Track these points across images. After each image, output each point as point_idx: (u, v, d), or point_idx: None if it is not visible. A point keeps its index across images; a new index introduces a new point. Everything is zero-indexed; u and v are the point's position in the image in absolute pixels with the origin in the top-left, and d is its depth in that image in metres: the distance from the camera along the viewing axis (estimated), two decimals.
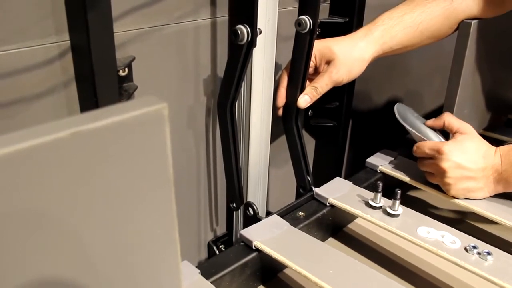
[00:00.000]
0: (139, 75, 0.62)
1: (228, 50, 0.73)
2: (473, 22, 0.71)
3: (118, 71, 0.57)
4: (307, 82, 0.75)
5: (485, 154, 0.72)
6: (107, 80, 0.54)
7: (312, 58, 0.73)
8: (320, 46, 0.74)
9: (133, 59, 0.60)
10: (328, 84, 0.74)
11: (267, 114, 0.77)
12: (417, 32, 0.76)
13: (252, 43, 0.64)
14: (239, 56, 0.64)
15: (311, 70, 0.75)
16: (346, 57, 0.73)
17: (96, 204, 0.30)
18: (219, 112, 0.71)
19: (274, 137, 0.84)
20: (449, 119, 0.76)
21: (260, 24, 0.66)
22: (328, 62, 0.74)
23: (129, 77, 0.60)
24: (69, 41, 0.55)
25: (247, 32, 0.62)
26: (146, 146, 0.31)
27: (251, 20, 0.62)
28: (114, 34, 0.53)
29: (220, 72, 0.75)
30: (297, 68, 0.74)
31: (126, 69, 0.59)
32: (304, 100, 0.74)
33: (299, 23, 0.71)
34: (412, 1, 0.78)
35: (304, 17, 0.70)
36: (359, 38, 0.75)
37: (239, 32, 0.62)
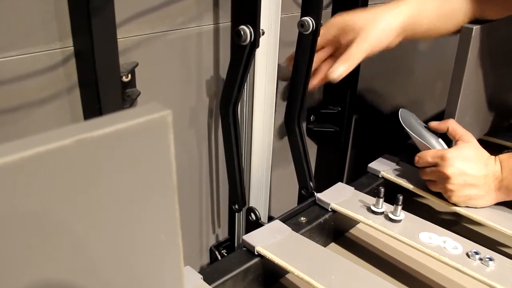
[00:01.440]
0: (142, 80, 0.62)
1: (231, 51, 0.73)
2: (475, 27, 0.71)
3: (121, 77, 0.57)
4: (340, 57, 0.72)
5: (486, 162, 0.72)
6: (110, 86, 0.54)
7: (329, 35, 0.71)
8: (345, 20, 0.71)
9: (136, 65, 0.61)
10: (359, 53, 0.70)
11: (270, 116, 0.77)
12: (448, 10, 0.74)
13: (255, 43, 0.64)
14: (242, 56, 0.65)
15: (329, 50, 0.73)
16: (373, 27, 0.70)
17: (100, 210, 0.30)
18: (222, 113, 0.71)
19: (276, 140, 0.84)
20: (453, 125, 0.76)
21: (263, 27, 0.66)
22: (356, 32, 0.71)
23: (132, 83, 0.60)
24: (72, 47, 0.56)
25: (250, 32, 0.63)
26: (150, 152, 0.31)
27: (254, 20, 0.62)
28: (118, 40, 0.54)
29: (223, 75, 0.75)
30: (300, 69, 0.74)
31: (129, 75, 0.59)
32: (338, 73, 0.70)
33: (301, 24, 0.71)
34: None
35: (307, 18, 0.70)
36: (387, 10, 0.72)
37: (242, 32, 0.63)
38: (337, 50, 0.74)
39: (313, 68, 0.74)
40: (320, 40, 0.71)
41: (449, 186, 0.72)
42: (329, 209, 0.76)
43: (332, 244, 0.78)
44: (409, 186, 0.81)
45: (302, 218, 0.74)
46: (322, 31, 0.71)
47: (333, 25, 0.72)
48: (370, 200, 0.75)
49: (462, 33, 0.72)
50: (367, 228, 0.80)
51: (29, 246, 0.27)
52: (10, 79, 0.52)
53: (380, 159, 0.91)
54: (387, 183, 0.85)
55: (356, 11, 0.73)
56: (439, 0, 0.75)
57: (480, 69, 0.81)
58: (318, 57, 0.74)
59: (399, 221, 0.70)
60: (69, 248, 0.29)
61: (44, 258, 0.28)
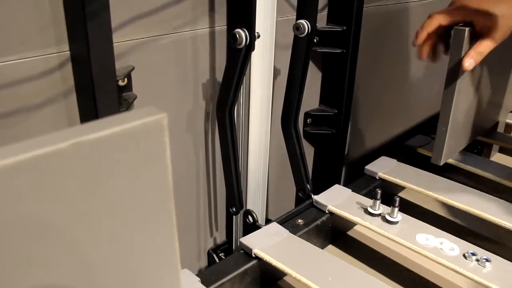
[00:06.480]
0: (138, 84, 0.63)
1: (227, 54, 0.74)
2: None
3: (118, 80, 0.58)
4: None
5: None
6: (106, 90, 0.54)
7: (467, 18, 0.71)
8: (477, 5, 0.71)
9: (133, 68, 0.61)
10: (492, 46, 0.71)
11: (266, 118, 0.77)
12: None
13: (250, 46, 0.64)
14: (238, 59, 0.65)
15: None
16: (506, 16, 0.69)
17: (96, 213, 0.30)
18: (218, 116, 0.71)
19: (273, 142, 0.84)
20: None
21: (258, 30, 0.67)
22: (487, 23, 0.70)
23: (128, 87, 0.61)
24: (69, 52, 0.56)
25: (246, 35, 0.63)
26: (146, 155, 0.31)
27: (249, 23, 0.63)
28: (114, 44, 0.54)
29: (219, 77, 0.75)
30: (296, 72, 0.74)
31: (126, 79, 0.59)
32: (470, 64, 0.72)
33: (297, 27, 0.71)
34: None
35: (302, 21, 0.70)
36: None
37: (237, 35, 0.63)
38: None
39: (425, 35, 0.73)
40: (444, 19, 0.72)
41: None
42: (326, 211, 0.76)
43: (330, 246, 0.78)
44: (408, 185, 0.82)
45: (299, 221, 0.75)
46: (450, 13, 0.72)
47: (470, 13, 0.71)
48: (367, 202, 0.75)
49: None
50: (365, 230, 0.80)
51: (25, 250, 0.27)
52: (7, 83, 0.52)
53: (377, 160, 0.91)
54: (384, 184, 0.85)
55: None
56: None
57: (474, 69, 0.81)
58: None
59: (396, 222, 0.70)
60: (65, 251, 0.29)
61: (40, 262, 0.28)
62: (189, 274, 0.61)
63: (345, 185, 0.83)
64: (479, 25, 0.71)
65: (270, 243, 0.67)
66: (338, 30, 0.88)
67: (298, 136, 0.80)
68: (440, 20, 0.72)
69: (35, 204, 0.27)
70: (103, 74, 0.53)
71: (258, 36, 0.66)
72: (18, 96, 0.53)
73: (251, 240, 0.68)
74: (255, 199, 0.83)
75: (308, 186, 0.82)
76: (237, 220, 0.84)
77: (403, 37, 1.15)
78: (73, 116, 0.59)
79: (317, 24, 0.73)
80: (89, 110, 0.55)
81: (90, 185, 0.29)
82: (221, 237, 0.90)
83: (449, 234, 0.68)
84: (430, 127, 1.05)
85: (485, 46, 0.71)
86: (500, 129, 1.04)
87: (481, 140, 0.98)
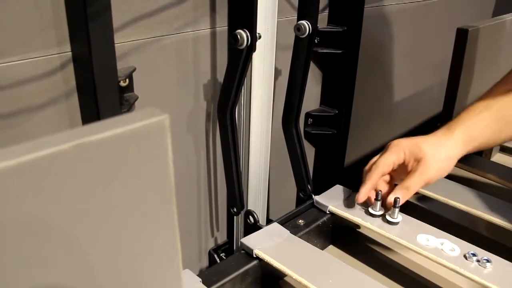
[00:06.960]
0: (139, 85, 0.63)
1: (228, 55, 0.74)
2: (470, 29, 0.71)
3: (119, 81, 0.58)
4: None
5: None
6: (108, 91, 0.54)
7: (401, 155, 0.71)
8: (410, 144, 0.71)
9: (134, 69, 0.61)
10: (419, 183, 0.70)
11: (267, 119, 0.78)
12: (502, 123, 0.72)
13: (251, 47, 0.64)
14: (239, 60, 0.65)
15: (396, 166, 0.72)
16: (435, 156, 0.70)
17: (98, 214, 0.30)
18: (219, 116, 0.71)
19: (274, 143, 0.84)
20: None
21: (259, 31, 0.67)
22: (418, 161, 0.70)
23: (130, 87, 0.61)
24: (70, 52, 0.56)
25: (247, 36, 0.63)
26: (148, 156, 0.31)
27: (250, 24, 0.63)
28: (115, 45, 0.54)
29: (220, 78, 0.75)
30: (297, 73, 0.74)
31: (127, 80, 0.59)
32: (391, 203, 0.70)
33: (298, 28, 0.71)
34: (486, 97, 0.74)
35: (303, 22, 0.71)
36: (444, 137, 0.72)
37: (238, 36, 0.63)
38: (401, 169, 0.73)
39: (370, 189, 0.72)
40: (385, 163, 0.71)
41: None
42: (327, 212, 0.76)
43: (330, 247, 0.78)
44: None
45: (300, 221, 0.75)
46: (387, 156, 0.71)
47: (402, 149, 0.71)
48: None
49: (457, 35, 0.72)
50: (365, 231, 0.80)
51: (27, 251, 0.27)
52: (8, 84, 0.52)
53: None
54: None
55: (423, 137, 0.72)
56: (493, 116, 0.72)
57: (476, 70, 0.81)
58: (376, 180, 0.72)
59: (396, 223, 0.70)
60: (67, 252, 0.29)
61: (42, 263, 0.28)
62: (190, 275, 0.61)
63: (346, 185, 0.83)
64: (410, 158, 0.71)
65: (271, 244, 0.67)
66: (339, 30, 0.88)
67: (299, 137, 0.80)
68: (383, 170, 0.71)
69: (37, 205, 0.27)
70: (105, 74, 0.53)
71: (259, 37, 0.66)
72: (19, 97, 0.54)
73: (252, 241, 0.68)
74: (256, 200, 0.83)
75: (309, 186, 0.82)
76: (238, 220, 0.84)
77: (403, 37, 1.15)
78: (74, 116, 0.59)
79: (318, 25, 0.73)
80: (91, 111, 0.55)
81: (91, 186, 0.29)
82: (222, 237, 0.90)
83: (450, 235, 0.68)
84: (431, 127, 1.05)
85: (413, 182, 0.69)
86: None
87: None
